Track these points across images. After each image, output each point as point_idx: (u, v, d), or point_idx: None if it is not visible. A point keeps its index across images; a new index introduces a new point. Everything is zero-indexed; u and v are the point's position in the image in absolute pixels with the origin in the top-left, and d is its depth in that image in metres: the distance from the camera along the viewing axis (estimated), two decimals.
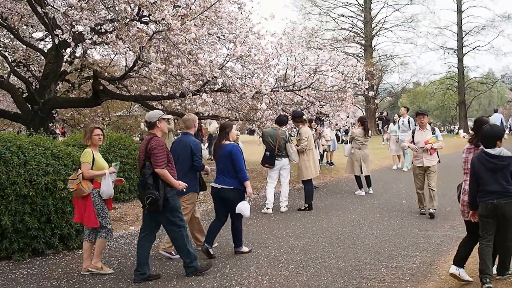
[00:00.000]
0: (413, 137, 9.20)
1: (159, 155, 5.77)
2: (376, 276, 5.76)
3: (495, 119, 24.98)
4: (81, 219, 6.03)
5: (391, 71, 46.86)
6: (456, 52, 44.45)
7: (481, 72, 49.46)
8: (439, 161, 9.19)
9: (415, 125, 15.53)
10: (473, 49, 43.95)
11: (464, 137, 34.07)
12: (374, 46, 44.28)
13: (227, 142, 6.90)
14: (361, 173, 11.72)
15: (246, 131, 22.07)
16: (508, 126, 27.73)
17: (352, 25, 44.64)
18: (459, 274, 5.44)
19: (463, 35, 43.76)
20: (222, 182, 6.72)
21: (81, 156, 6.10)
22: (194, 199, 6.91)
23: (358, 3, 43.65)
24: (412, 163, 9.69)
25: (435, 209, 8.97)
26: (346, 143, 13.25)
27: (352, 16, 44.41)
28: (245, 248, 6.89)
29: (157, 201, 5.62)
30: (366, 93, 14.89)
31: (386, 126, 21.91)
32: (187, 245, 5.89)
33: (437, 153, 9.09)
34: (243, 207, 6.55)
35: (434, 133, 9.13)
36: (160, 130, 6.13)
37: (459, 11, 43.74)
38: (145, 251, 5.89)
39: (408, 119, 15.50)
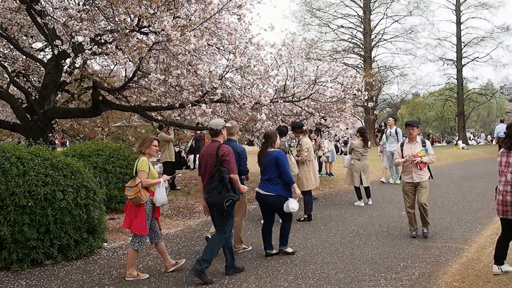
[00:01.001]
0: (402, 150, 8.40)
1: (232, 161, 6.26)
2: None
3: (501, 129, 25.26)
4: (130, 225, 6.26)
5: (390, 82, 46.89)
6: (455, 63, 44.59)
7: (480, 83, 49.69)
8: (431, 177, 8.44)
9: (403, 136, 15.40)
10: (472, 60, 44.10)
11: (463, 148, 34.08)
12: (374, 57, 44.40)
13: (272, 149, 7.30)
14: (361, 184, 11.72)
15: (246, 142, 22.08)
16: None
17: (352, 36, 44.80)
18: (501, 272, 5.70)
19: (462, 47, 43.95)
20: (266, 188, 7.17)
21: (138, 164, 6.29)
22: (243, 201, 7.49)
23: (358, 14, 43.84)
24: (401, 178, 8.95)
25: (427, 228, 8.34)
26: (345, 154, 13.14)
27: (351, 27, 44.58)
28: (289, 249, 7.36)
29: (235, 202, 6.19)
30: (365, 104, 14.86)
31: (379, 137, 21.69)
32: (216, 252, 6.24)
33: (429, 168, 8.35)
34: (292, 205, 7.11)
35: (425, 146, 8.28)
36: (223, 137, 6.57)
37: (458, 23, 43.96)
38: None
39: (396, 129, 15.38)
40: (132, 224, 6.20)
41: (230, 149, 6.31)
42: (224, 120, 6.80)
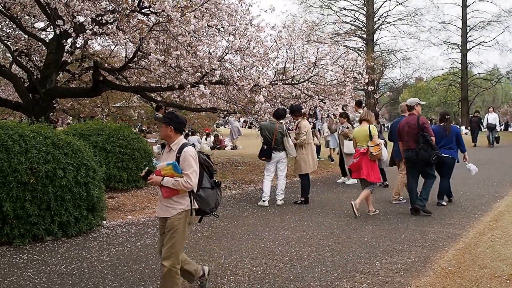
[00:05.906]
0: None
1: (430, 128, 8.72)
2: (370, 270, 5.78)
3: None
4: (368, 176, 8.65)
5: (393, 65, 46.48)
6: (459, 47, 44.02)
7: (485, 68, 49.20)
8: (211, 213, 4.76)
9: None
10: (478, 44, 43.40)
11: (465, 134, 33.92)
12: (376, 40, 43.88)
13: (452, 125, 10.03)
14: None
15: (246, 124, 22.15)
16: None
17: (354, 18, 44.21)
18: None
19: (468, 30, 43.29)
20: (446, 152, 9.28)
21: (372, 130, 8.72)
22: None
23: None
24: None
25: None
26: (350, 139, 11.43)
27: (354, 10, 43.93)
28: (443, 203, 9.65)
29: (439, 157, 8.61)
30: (365, 87, 14.83)
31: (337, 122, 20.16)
32: (429, 191, 8.85)
33: (192, 194, 4.54)
34: (473, 167, 10.06)
35: (180, 156, 4.46)
36: (417, 111, 8.97)
37: (464, 6, 43.26)
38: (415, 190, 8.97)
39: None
40: (370, 175, 8.63)
41: (426, 120, 8.84)
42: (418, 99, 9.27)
